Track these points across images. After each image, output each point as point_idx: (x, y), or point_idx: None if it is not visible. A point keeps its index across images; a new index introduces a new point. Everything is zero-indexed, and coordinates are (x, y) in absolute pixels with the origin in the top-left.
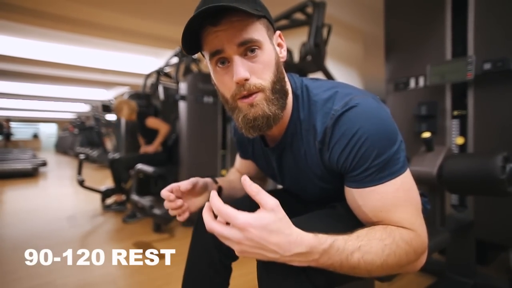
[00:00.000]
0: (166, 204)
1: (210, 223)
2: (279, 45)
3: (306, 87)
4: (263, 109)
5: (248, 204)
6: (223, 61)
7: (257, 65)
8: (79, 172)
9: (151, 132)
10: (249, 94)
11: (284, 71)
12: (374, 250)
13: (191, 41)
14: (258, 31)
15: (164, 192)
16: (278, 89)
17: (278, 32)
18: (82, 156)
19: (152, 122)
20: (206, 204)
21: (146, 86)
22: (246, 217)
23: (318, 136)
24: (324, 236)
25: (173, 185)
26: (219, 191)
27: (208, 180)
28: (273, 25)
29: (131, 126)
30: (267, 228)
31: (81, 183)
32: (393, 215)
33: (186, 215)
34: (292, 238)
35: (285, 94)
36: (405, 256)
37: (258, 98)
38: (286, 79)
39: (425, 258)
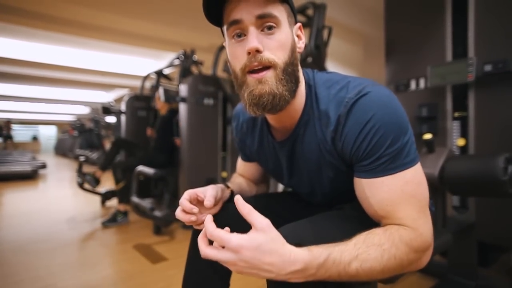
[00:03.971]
0: (183, 217)
1: (203, 251)
2: (298, 36)
3: (319, 78)
4: (271, 87)
5: (253, 203)
6: (240, 34)
7: (273, 42)
8: (79, 174)
9: (166, 135)
10: (260, 69)
11: (298, 60)
12: (372, 257)
13: (214, 11)
14: (278, 11)
15: (186, 204)
16: (289, 71)
17: (299, 24)
18: (82, 158)
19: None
20: (203, 231)
21: (144, 88)
22: (239, 240)
23: (332, 125)
24: (319, 250)
25: (191, 193)
26: (231, 195)
27: (221, 186)
28: (295, 15)
29: (131, 128)
30: (260, 249)
31: (80, 185)
32: (398, 211)
33: None
34: (286, 257)
35: (296, 80)
36: (405, 257)
37: (269, 75)
38: (300, 68)
39: (430, 256)
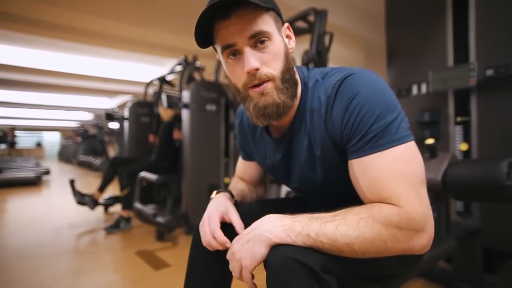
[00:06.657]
0: (216, 245)
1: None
2: (288, 36)
3: (314, 73)
4: (273, 98)
5: (258, 208)
6: (235, 52)
7: (267, 55)
8: (75, 193)
9: (169, 141)
10: (260, 83)
11: (292, 62)
12: (348, 222)
13: (203, 35)
14: (267, 23)
15: (221, 237)
16: (287, 78)
17: (286, 24)
18: (71, 178)
19: (178, 134)
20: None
21: (147, 94)
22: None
23: (323, 108)
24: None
25: (218, 219)
26: (236, 204)
27: (229, 197)
28: (281, 17)
29: (134, 134)
30: (243, 238)
31: (79, 202)
32: (384, 189)
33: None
34: (262, 219)
35: (295, 83)
36: (384, 230)
37: (269, 87)
38: (295, 69)
39: (427, 240)
